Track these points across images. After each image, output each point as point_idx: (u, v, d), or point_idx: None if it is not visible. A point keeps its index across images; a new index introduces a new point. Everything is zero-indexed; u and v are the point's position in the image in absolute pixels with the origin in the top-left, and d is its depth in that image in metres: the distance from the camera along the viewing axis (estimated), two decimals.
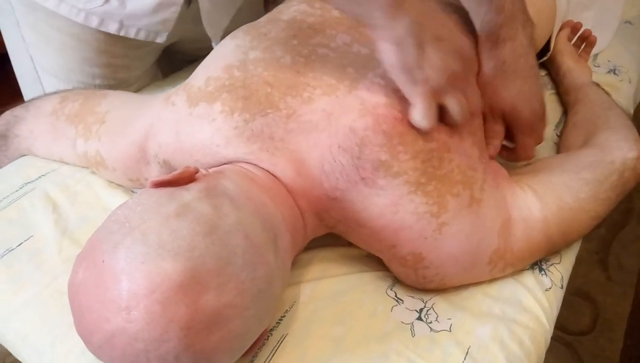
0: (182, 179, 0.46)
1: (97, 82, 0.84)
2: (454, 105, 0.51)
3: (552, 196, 0.59)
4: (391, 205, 0.51)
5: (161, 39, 0.81)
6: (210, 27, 0.80)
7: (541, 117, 0.62)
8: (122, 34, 0.78)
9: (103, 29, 0.77)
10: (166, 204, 0.42)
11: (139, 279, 0.37)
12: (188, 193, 0.44)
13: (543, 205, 0.58)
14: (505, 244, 0.56)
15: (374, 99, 0.52)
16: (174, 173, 0.45)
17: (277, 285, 0.46)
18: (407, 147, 0.51)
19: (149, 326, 0.37)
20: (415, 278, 0.56)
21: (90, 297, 0.39)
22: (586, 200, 0.59)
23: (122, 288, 0.38)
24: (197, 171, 0.47)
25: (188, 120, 0.55)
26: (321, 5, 0.62)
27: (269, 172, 0.52)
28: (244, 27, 0.61)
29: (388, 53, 0.50)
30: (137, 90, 0.90)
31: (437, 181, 0.51)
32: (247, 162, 0.53)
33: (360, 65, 0.55)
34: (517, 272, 0.60)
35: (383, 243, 0.55)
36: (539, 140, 0.64)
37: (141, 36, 0.79)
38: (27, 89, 0.89)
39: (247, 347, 0.45)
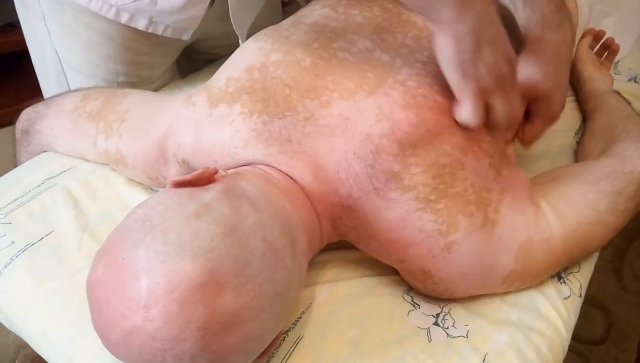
0: (202, 179, 0.46)
1: (121, 79, 0.85)
2: (500, 106, 0.52)
3: (572, 212, 0.58)
4: (400, 220, 0.51)
5: (187, 37, 0.82)
6: (237, 25, 0.81)
7: (563, 108, 0.63)
8: (150, 30, 0.79)
9: (132, 24, 0.78)
10: (186, 204, 0.42)
11: (158, 278, 0.38)
12: (208, 194, 0.44)
13: (564, 223, 0.57)
14: (523, 266, 0.55)
15: (391, 103, 0.52)
16: (194, 173, 0.46)
17: (294, 288, 0.47)
18: (419, 159, 0.51)
19: (167, 325, 0.37)
20: (425, 290, 0.57)
21: (109, 293, 0.39)
22: (605, 213, 0.59)
23: (141, 287, 0.38)
24: (216, 172, 0.48)
25: (208, 121, 0.55)
26: (345, 11, 0.62)
27: (287, 175, 0.53)
28: (266, 29, 0.61)
29: (445, 46, 0.50)
30: (158, 88, 0.90)
31: (449, 199, 0.51)
32: (266, 164, 0.53)
33: (380, 71, 0.55)
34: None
35: (392, 257, 0.55)
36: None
37: (168, 33, 0.80)
38: (51, 84, 0.90)
39: (263, 349, 0.45)
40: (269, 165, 0.53)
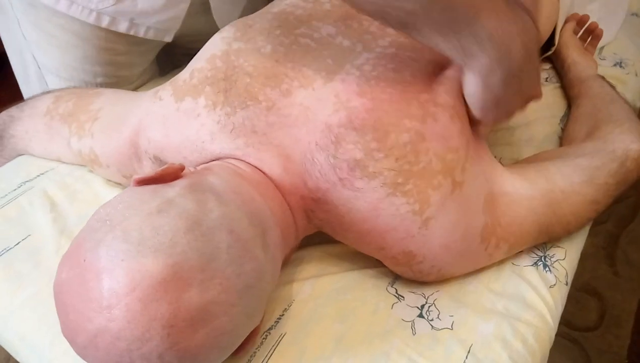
0: (167, 176, 0.45)
1: (99, 80, 0.84)
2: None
3: (542, 180, 0.58)
4: (372, 209, 0.50)
5: (169, 38, 0.81)
6: (220, 19, 0.80)
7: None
8: (132, 32, 0.78)
9: (113, 28, 0.77)
10: (149, 201, 0.41)
11: (119, 277, 0.37)
12: (172, 190, 0.43)
13: (531, 185, 0.57)
14: (492, 219, 0.55)
15: (347, 91, 0.52)
16: (158, 170, 0.45)
17: (267, 280, 0.46)
18: (380, 143, 0.50)
19: (131, 325, 0.36)
20: (412, 273, 0.56)
21: (73, 296, 0.38)
22: (580, 184, 0.59)
23: (103, 287, 0.37)
24: (182, 168, 0.47)
25: (176, 115, 0.55)
26: (315, 0, 0.61)
27: (256, 168, 0.52)
28: (234, 21, 0.61)
29: (475, 89, 0.51)
30: (137, 87, 0.89)
31: (416, 178, 0.50)
32: (235, 158, 0.52)
33: (340, 57, 0.55)
34: (515, 252, 0.60)
35: (371, 246, 0.54)
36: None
37: (150, 35, 0.79)
38: (30, 88, 0.89)
39: (237, 344, 0.44)
40: (239, 159, 0.52)
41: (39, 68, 0.85)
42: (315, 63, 0.54)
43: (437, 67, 0.55)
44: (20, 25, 0.81)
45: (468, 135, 0.55)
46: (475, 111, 0.53)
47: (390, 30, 0.58)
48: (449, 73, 0.54)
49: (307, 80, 0.53)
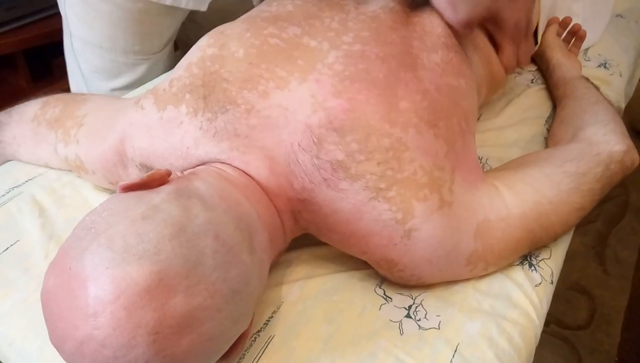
0: (153, 182, 0.45)
1: (137, 48, 0.91)
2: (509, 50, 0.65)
3: (531, 192, 0.58)
4: (355, 211, 0.51)
5: (204, 7, 0.86)
6: None
7: (523, 30, 0.67)
8: (175, 4, 0.84)
9: (161, 1, 0.82)
10: (134, 208, 0.41)
11: (104, 285, 0.37)
12: (158, 196, 0.43)
13: (520, 201, 0.58)
14: (483, 246, 0.55)
15: (323, 91, 0.53)
16: (144, 176, 0.45)
17: (254, 285, 0.46)
18: (360, 145, 0.50)
19: (116, 332, 0.36)
20: (393, 278, 0.56)
21: (60, 304, 0.38)
22: (567, 192, 0.59)
23: (88, 295, 0.37)
24: (169, 173, 0.47)
25: (159, 124, 0.55)
26: (278, 3, 0.63)
27: (242, 171, 0.52)
28: (209, 32, 0.62)
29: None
30: (157, 60, 0.96)
31: (399, 186, 0.50)
32: (221, 162, 0.53)
33: (309, 57, 0.56)
34: (504, 267, 0.60)
35: (354, 249, 0.55)
36: (521, 53, 0.72)
37: (190, 5, 0.85)
38: (70, 66, 0.99)
39: (225, 349, 0.44)
40: (224, 163, 0.52)
41: (72, 43, 0.93)
42: (288, 64, 0.55)
43: (408, 71, 0.56)
44: (65, 3, 0.88)
45: (454, 161, 0.55)
46: (444, 10, 0.57)
47: (351, 25, 0.60)
48: (426, 87, 0.56)
49: (282, 81, 0.54)
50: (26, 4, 1.45)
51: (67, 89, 1.04)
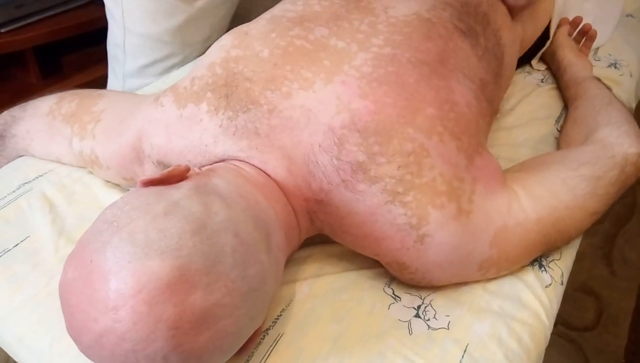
0: (173, 178, 0.45)
1: (198, 38, 1.02)
2: None
3: (548, 196, 0.58)
4: (370, 213, 0.51)
5: None
6: None
7: None
8: None
9: None
10: (154, 203, 0.42)
11: (126, 279, 0.37)
12: (178, 192, 0.43)
13: (539, 206, 0.57)
14: (499, 253, 0.55)
15: (349, 93, 0.52)
16: (164, 171, 0.45)
17: (270, 284, 0.46)
18: (382, 147, 0.50)
19: (136, 326, 0.37)
20: (404, 279, 0.57)
21: (80, 296, 0.39)
22: (583, 197, 0.59)
23: (109, 288, 0.37)
24: (188, 169, 0.47)
25: (179, 121, 0.55)
26: (304, 2, 0.63)
27: (261, 170, 0.52)
28: (230, 30, 0.62)
29: None
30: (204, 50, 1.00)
31: (417, 191, 0.50)
32: (239, 160, 0.53)
33: (336, 58, 0.55)
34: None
35: (367, 250, 0.55)
36: None
37: None
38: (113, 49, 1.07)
39: (239, 346, 0.44)
40: (243, 161, 0.53)
41: (124, 22, 0.99)
42: (314, 65, 0.55)
43: (440, 80, 0.55)
44: (122, 3, 0.96)
45: (475, 172, 0.55)
46: None
47: (381, 27, 0.59)
48: (457, 99, 0.55)
49: (307, 82, 0.54)
50: (35, 1, 1.46)
51: (77, 86, 1.04)
